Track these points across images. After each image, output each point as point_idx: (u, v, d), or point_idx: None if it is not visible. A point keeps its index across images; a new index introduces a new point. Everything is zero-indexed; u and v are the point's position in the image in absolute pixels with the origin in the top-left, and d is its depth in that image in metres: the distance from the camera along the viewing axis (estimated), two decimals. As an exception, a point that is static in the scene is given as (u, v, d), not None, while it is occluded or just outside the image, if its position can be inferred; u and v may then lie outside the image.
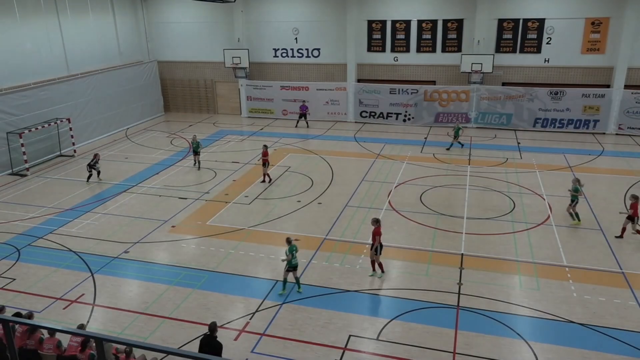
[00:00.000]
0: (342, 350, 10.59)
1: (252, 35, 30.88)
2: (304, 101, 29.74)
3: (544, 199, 18.03)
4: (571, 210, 16.03)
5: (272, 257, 14.42)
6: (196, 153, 21.90)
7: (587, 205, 17.39)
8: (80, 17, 26.75)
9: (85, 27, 27.07)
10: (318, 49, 30.15)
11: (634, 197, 14.81)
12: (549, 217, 16.58)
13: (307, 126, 29.00)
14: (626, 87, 25.65)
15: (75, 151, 24.66)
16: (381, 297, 12.49)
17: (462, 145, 24.27)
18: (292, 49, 30.53)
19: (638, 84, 25.71)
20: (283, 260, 12.41)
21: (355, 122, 29.80)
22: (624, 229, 15.08)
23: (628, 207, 15.07)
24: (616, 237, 15.11)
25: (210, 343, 9.39)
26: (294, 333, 11.14)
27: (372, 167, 21.85)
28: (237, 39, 30.54)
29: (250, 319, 11.64)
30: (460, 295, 12.37)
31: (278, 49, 30.77)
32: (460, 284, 12.90)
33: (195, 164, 22.08)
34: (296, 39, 30.22)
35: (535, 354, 10.34)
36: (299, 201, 18.37)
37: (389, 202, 18.07)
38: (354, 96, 29.54)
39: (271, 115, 31.25)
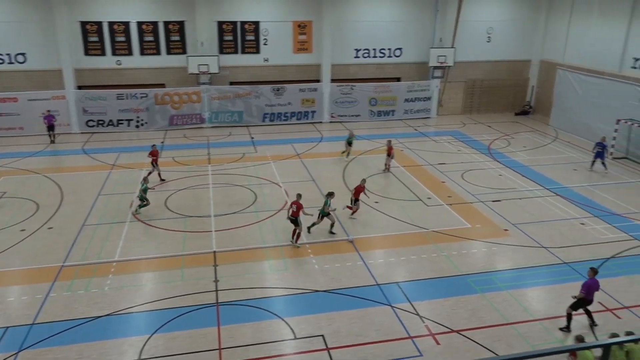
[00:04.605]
0: (100, 383, 9.67)
1: None
2: (48, 111, 25.75)
3: (281, 187, 19.66)
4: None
5: (-4, 301, 12.15)
6: None
7: (315, 185, 19.66)
8: None
9: None
10: (23, 54, 26.30)
11: (363, 180, 17.39)
12: (286, 202, 18.12)
13: (53, 141, 25.39)
14: (332, 80, 29.76)
15: None
16: (137, 314, 11.80)
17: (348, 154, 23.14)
18: (-13, 55, 25.92)
19: (340, 77, 30.09)
20: None
21: (82, 132, 27.15)
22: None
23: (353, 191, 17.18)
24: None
25: None
26: (38, 381, 9.66)
27: (109, 179, 20.31)
28: None
29: (-24, 382, 9.63)
30: (218, 292, 12.61)
31: (-32, 55, 25.74)
32: (216, 281, 13.12)
33: None
34: (-9, 42, 25.76)
35: (291, 328, 11.29)
36: (23, 230, 15.87)
37: (132, 213, 17.11)
38: (75, 105, 26.81)
39: (-29, 134, 26.07)
